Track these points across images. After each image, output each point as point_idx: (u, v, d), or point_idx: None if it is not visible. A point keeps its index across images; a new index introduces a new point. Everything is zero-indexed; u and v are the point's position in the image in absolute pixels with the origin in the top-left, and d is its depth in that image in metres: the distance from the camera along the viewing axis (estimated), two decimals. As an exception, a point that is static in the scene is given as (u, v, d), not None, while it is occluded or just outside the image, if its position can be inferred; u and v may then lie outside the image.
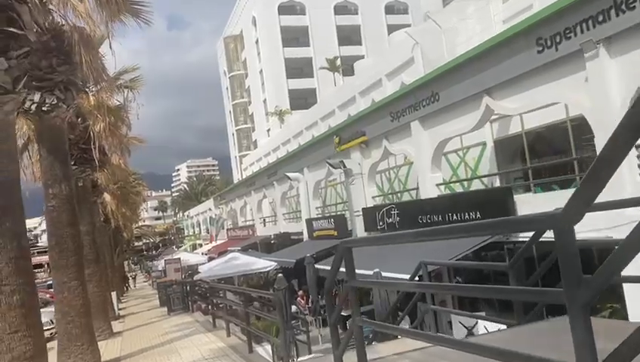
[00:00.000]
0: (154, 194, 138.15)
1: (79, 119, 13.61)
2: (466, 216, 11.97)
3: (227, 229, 39.95)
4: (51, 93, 8.14)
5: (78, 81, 9.05)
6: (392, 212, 15.16)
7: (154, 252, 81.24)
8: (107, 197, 23.57)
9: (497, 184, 15.12)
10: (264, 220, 31.75)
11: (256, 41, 53.41)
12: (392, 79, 21.66)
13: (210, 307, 15.02)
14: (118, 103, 14.56)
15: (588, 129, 9.54)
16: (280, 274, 11.54)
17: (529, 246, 4.92)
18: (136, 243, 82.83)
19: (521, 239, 10.14)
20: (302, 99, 48.54)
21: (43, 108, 8.10)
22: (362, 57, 47.74)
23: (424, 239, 3.62)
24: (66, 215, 9.35)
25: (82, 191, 14.15)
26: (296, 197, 30.03)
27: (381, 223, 15.85)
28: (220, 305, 12.39)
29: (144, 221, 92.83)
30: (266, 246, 27.61)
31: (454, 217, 12.38)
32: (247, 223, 35.39)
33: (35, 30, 7.53)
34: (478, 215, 11.56)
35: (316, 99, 45.87)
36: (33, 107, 7.89)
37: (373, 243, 7.21)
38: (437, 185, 13.91)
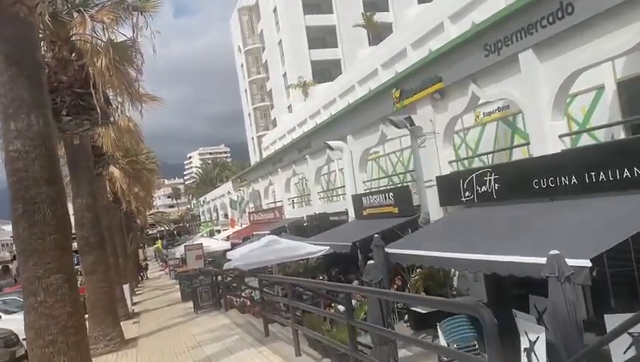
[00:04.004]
0: (166, 182, 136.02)
1: (73, 55, 10.03)
2: (625, 175, 8.22)
3: (249, 213, 36.53)
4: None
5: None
6: (487, 178, 11.45)
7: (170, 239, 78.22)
8: (116, 171, 20.17)
9: (622, 135, 11.39)
10: (293, 201, 28.22)
11: (274, 10, 49.40)
12: (457, 21, 17.77)
13: (252, 305, 11.52)
14: (125, 38, 10.93)
15: None
16: (370, 262, 7.92)
17: None
18: (150, 231, 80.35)
19: None
20: (326, 72, 44.62)
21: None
22: (390, 24, 43.84)
23: None
24: (39, 165, 5.83)
25: (80, 153, 10.68)
26: (333, 173, 26.53)
27: (468, 194, 12.14)
28: (281, 307, 8.76)
29: (158, 208, 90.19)
30: (296, 230, 24.03)
31: (601, 178, 8.63)
32: (273, 205, 31.91)
33: None
34: (653, 170, 7.80)
35: (341, 70, 41.96)
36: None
37: None
38: (560, 136, 10.13)
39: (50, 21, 10.02)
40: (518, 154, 14.42)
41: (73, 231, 11.39)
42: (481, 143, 16.53)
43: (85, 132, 10.62)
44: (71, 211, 11.56)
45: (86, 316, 12.58)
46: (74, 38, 10.90)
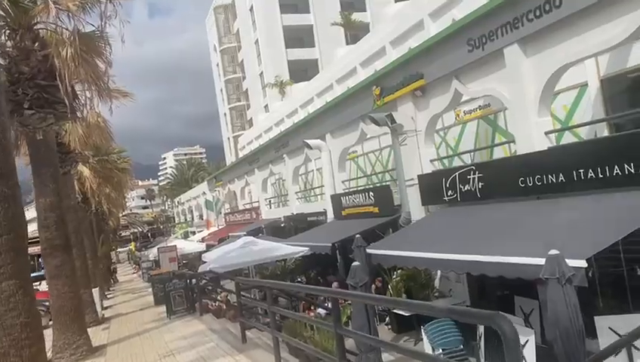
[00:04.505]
0: (140, 183, 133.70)
1: (36, 44, 9.37)
2: (615, 172, 7.99)
3: (225, 214, 35.85)
4: None
5: None
6: (470, 176, 11.17)
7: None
8: (85, 170, 19.33)
9: (605, 133, 11.25)
10: (270, 201, 27.67)
11: (251, 9, 48.71)
12: (437, 19, 17.52)
13: (220, 308, 11.00)
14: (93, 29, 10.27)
15: None
16: (355, 263, 7.48)
17: None
18: (123, 233, 78.66)
19: None
20: (302, 71, 44.15)
21: None
22: (367, 24, 43.63)
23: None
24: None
25: (44, 149, 9.99)
26: (311, 173, 26.10)
27: (451, 193, 11.86)
28: (258, 311, 8.25)
29: (131, 210, 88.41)
30: (274, 231, 23.53)
31: (590, 175, 8.38)
32: (249, 206, 31.30)
33: None
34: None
35: (318, 70, 41.57)
36: None
37: None
38: (546, 133, 9.89)
39: (10, 7, 9.37)
40: (500, 153, 14.22)
41: (35, 233, 10.74)
42: (462, 142, 16.29)
43: (49, 127, 9.92)
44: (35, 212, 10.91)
45: (50, 323, 11.93)
46: (37, 26, 10.24)
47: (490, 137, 15.17)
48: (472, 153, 15.01)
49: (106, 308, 20.39)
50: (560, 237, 7.47)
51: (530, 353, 8.03)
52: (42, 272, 19.38)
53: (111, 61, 10.53)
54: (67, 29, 9.70)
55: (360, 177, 20.77)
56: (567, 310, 4.78)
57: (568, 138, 11.98)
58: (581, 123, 11.12)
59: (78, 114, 10.27)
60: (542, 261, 6.81)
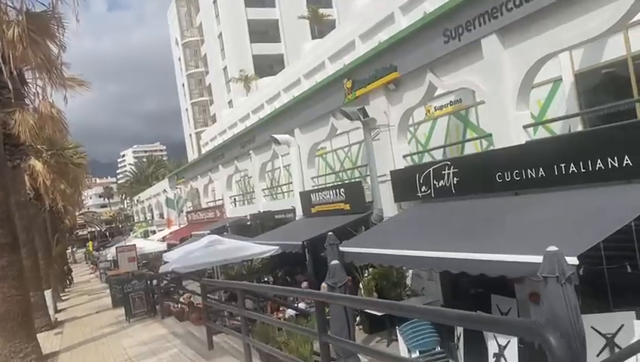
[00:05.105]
0: (98, 181, 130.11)
1: (-24, 23, 8.46)
2: (598, 166, 7.75)
3: (187, 212, 34.84)
4: None
5: None
6: (445, 172, 10.83)
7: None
8: (38, 165, 18.16)
9: (579, 128, 11.15)
10: (235, 199, 26.92)
11: (214, 1, 47.54)
12: (408, 12, 17.19)
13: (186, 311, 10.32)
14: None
15: None
16: (334, 262, 6.97)
17: None
18: (80, 232, 76.17)
19: None
20: (267, 66, 43.41)
21: None
22: (333, 22, 43.20)
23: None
24: None
25: (-14, 139, 9.08)
26: (278, 170, 25.50)
27: (424, 189, 11.51)
28: (224, 313, 7.61)
29: (89, 208, 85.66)
30: (239, 229, 22.87)
31: (572, 169, 8.13)
32: (213, 204, 30.45)
33: None
34: (627, 161, 7.34)
35: (284, 66, 40.92)
36: None
37: None
38: (525, 127, 9.63)
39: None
40: (471, 149, 14.01)
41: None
42: (432, 138, 16.05)
43: (-7, 114, 9.05)
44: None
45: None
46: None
47: (461, 133, 14.96)
48: (443, 149, 14.77)
49: (60, 310, 19.29)
50: (545, 233, 7.17)
51: (511, 355, 7.73)
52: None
53: (64, 45, 9.68)
54: (14, 7, 8.84)
55: (329, 174, 20.32)
56: (567, 311, 4.41)
57: (541, 133, 11.84)
58: (561, 116, 10.94)
59: (28, 101, 9.39)
60: (526, 258, 6.50)
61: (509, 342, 7.77)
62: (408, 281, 13.03)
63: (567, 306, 4.43)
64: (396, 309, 4.09)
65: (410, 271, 12.77)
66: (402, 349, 9.28)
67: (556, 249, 4.65)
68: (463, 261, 7.62)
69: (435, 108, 15.80)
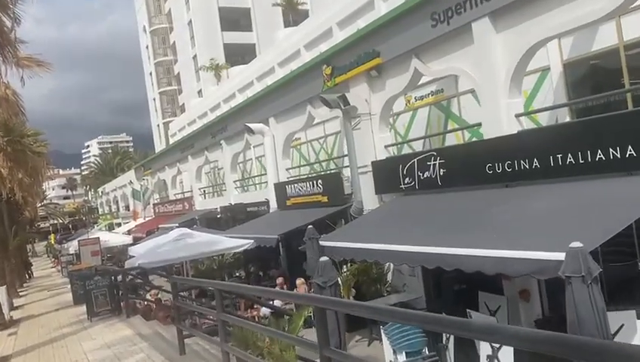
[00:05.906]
0: (62, 172, 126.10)
1: None
2: (599, 157, 7.31)
3: (154, 204, 33.67)
4: None
5: None
6: (431, 163, 10.30)
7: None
8: (-9, 152, 16.94)
9: (567, 119, 10.80)
10: (204, 191, 25.99)
11: (184, -12, 46.17)
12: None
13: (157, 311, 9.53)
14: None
15: None
16: (324, 258, 6.32)
17: None
18: (42, 225, 73.53)
19: None
20: (239, 56, 42.26)
21: None
22: (306, 12, 42.35)
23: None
24: None
25: None
26: (250, 161, 24.69)
27: (408, 180, 10.97)
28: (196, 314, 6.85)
29: (51, 200, 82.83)
30: (208, 222, 21.99)
31: (569, 160, 7.68)
32: (181, 196, 29.39)
33: None
34: (631, 151, 6.92)
35: (255, 55, 39.90)
36: None
37: None
38: (517, 115, 9.16)
39: None
40: (452, 141, 13.57)
41: None
42: (412, 129, 15.54)
43: None
44: None
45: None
46: None
47: (442, 124, 14.50)
48: (423, 140, 14.28)
49: (17, 308, 18.12)
50: (544, 227, 6.72)
51: (506, 357, 7.27)
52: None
53: (19, 17, 8.74)
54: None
55: (304, 165, 19.65)
56: (594, 314, 3.90)
57: (527, 125, 11.46)
58: (550, 106, 10.53)
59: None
60: (524, 254, 6.00)
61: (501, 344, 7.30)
62: (389, 277, 12.51)
63: (593, 308, 3.92)
64: (398, 316, 3.48)
65: (392, 267, 12.26)
66: (387, 350, 8.74)
67: (581, 245, 4.12)
68: (439, 256, 7.19)
69: (415, 98, 15.28)
